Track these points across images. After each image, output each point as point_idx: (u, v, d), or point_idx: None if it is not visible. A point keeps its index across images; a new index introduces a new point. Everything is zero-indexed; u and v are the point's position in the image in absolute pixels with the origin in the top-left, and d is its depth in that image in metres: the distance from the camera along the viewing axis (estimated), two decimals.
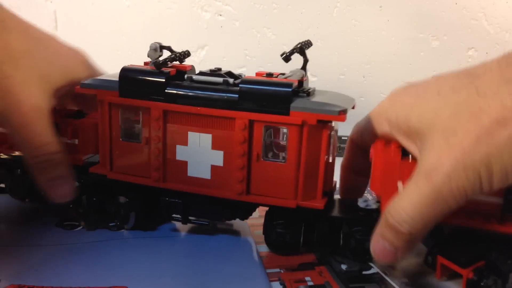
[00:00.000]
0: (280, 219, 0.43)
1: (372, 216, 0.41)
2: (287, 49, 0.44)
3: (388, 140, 0.40)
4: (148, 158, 0.44)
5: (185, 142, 0.43)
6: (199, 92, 0.42)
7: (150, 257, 0.42)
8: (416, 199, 0.34)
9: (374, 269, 0.42)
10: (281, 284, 0.39)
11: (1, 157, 0.49)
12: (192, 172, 0.43)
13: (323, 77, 0.81)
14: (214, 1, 0.80)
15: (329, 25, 0.79)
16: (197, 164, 0.43)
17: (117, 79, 0.44)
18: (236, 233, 0.47)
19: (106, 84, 0.44)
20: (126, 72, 0.44)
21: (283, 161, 0.41)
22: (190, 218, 0.45)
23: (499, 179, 0.32)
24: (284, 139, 0.41)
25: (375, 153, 0.40)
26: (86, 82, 0.45)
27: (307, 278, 0.40)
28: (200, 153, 0.43)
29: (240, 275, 0.40)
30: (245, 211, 0.45)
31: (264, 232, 0.44)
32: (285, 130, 0.41)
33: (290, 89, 0.40)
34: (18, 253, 0.42)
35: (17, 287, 0.36)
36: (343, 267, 0.42)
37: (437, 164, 0.33)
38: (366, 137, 0.42)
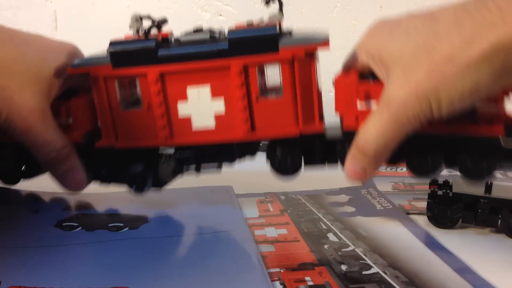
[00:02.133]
0: (280, 145, 0.46)
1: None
2: None
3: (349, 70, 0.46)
4: (152, 121, 0.46)
5: (185, 98, 0.45)
6: (190, 49, 0.44)
7: (150, 257, 0.42)
8: (378, 124, 0.40)
9: (374, 269, 0.42)
10: (281, 284, 0.39)
11: None
12: (196, 125, 0.46)
13: (323, 77, 0.81)
14: (214, 1, 0.80)
15: (329, 25, 0.79)
16: (200, 116, 0.46)
17: (105, 54, 0.45)
18: (236, 233, 0.47)
19: (97, 60, 0.45)
20: (116, 45, 0.45)
21: (280, 95, 0.45)
22: (202, 166, 0.47)
23: (446, 107, 0.38)
24: (278, 73, 0.45)
25: (337, 79, 0.45)
26: (76, 62, 0.46)
27: (307, 278, 0.40)
28: (201, 105, 0.45)
29: (240, 275, 0.40)
30: (252, 148, 0.48)
31: (269, 160, 0.47)
32: (276, 68, 0.45)
33: (275, 29, 0.44)
34: (18, 255, 0.42)
35: None
36: (343, 267, 0.42)
37: (395, 95, 0.39)
38: (351, 66, 0.47)
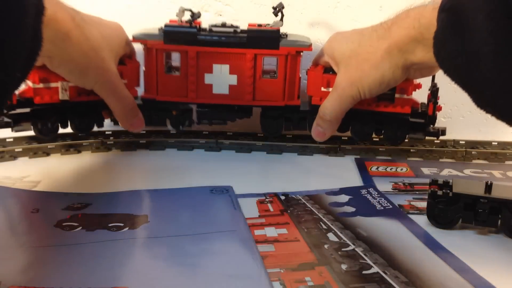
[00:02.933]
0: (270, 114, 0.69)
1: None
2: None
3: (318, 65, 0.68)
4: (186, 84, 0.67)
5: (210, 71, 0.66)
6: (220, 38, 0.65)
7: (150, 257, 0.42)
8: (331, 101, 0.63)
9: (374, 269, 0.42)
10: (281, 284, 0.39)
11: (70, 100, 0.64)
12: (216, 90, 0.67)
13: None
14: (214, 1, 0.80)
15: (329, 25, 0.79)
16: (219, 85, 0.67)
17: (157, 32, 0.65)
18: (236, 233, 0.47)
19: (152, 36, 0.65)
20: (169, 27, 0.65)
21: (275, 77, 0.67)
22: (212, 121, 0.69)
23: (367, 91, 0.60)
24: (275, 63, 0.67)
25: (309, 72, 0.68)
26: (137, 36, 0.66)
27: (307, 278, 0.40)
28: (221, 77, 0.66)
29: (240, 275, 0.40)
30: (249, 112, 0.70)
31: (261, 123, 0.70)
32: (275, 59, 0.67)
33: (278, 32, 0.66)
34: (18, 255, 0.42)
35: None
36: (343, 267, 0.42)
37: (339, 82, 0.62)
38: (318, 62, 0.69)
